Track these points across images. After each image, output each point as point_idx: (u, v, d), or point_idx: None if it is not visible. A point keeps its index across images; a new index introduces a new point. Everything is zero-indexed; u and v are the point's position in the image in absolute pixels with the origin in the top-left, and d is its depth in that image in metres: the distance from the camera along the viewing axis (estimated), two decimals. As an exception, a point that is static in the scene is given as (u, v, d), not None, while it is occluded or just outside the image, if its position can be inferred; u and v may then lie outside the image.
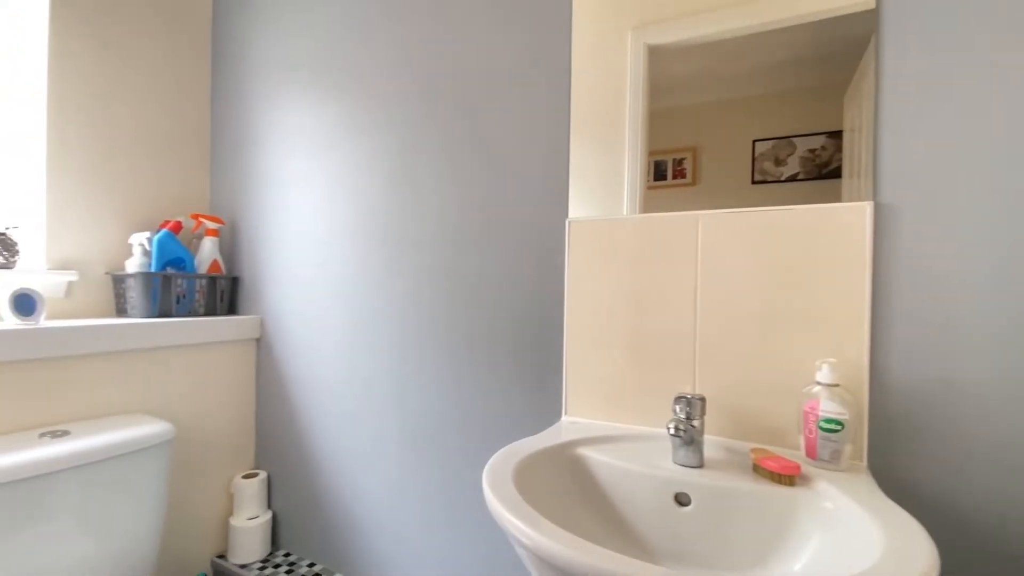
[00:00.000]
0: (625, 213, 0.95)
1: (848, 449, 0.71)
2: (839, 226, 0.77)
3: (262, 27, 1.47)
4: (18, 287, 1.05)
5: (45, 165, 1.22)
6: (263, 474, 1.45)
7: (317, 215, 1.35)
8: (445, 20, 1.15)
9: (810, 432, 0.73)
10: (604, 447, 0.83)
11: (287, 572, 1.34)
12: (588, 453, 0.81)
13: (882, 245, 0.76)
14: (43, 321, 1.10)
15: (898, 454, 0.75)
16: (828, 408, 0.71)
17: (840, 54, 0.79)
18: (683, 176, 0.91)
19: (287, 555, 1.41)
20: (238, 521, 1.38)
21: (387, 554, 1.25)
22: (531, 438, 0.84)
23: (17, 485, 0.88)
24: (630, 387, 0.93)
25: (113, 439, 1.02)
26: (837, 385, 0.72)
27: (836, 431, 0.70)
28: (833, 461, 0.71)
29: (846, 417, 0.70)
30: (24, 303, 1.05)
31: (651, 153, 0.94)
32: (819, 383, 0.73)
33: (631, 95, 0.95)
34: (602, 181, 0.97)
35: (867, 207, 0.76)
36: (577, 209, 0.99)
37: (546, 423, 1.02)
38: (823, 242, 0.78)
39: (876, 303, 0.76)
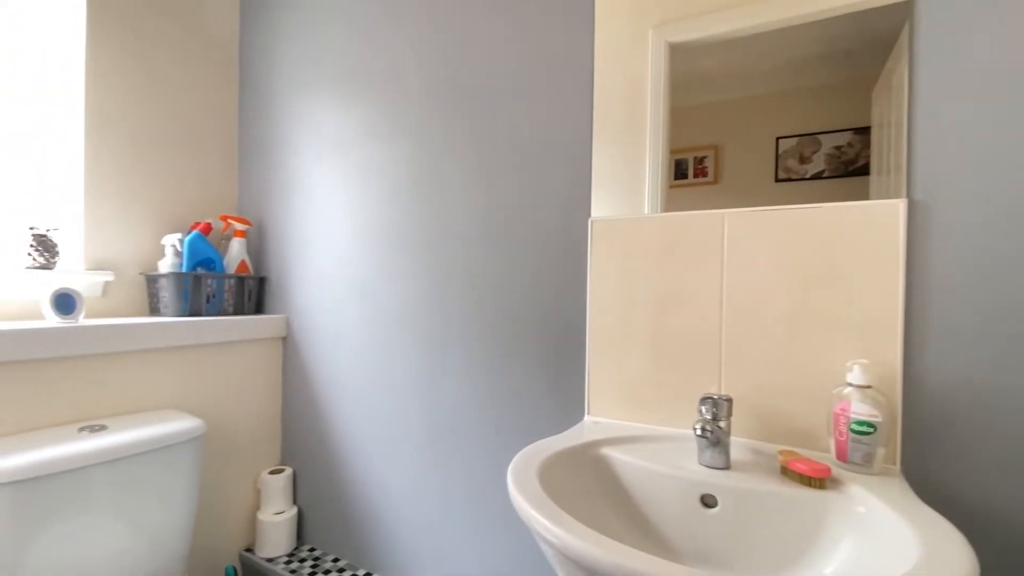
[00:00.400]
0: (647, 212, 0.94)
1: (881, 452, 0.69)
2: (871, 224, 0.76)
3: (288, 33, 1.50)
4: (59, 287, 1.09)
5: (83, 170, 1.26)
6: (289, 470, 1.48)
7: (340, 216, 1.38)
8: (465, 21, 1.16)
9: (841, 434, 0.71)
10: (628, 447, 0.82)
11: (312, 566, 1.36)
12: (612, 453, 0.81)
13: (916, 243, 0.74)
14: (82, 320, 1.14)
15: (934, 458, 0.73)
16: (860, 410, 0.69)
17: (868, 48, 0.78)
18: (704, 175, 0.90)
19: (312, 550, 1.44)
20: (265, 516, 1.41)
21: (410, 550, 1.26)
22: (554, 437, 0.85)
23: (60, 477, 0.92)
24: (653, 387, 0.92)
25: (148, 434, 1.05)
26: (869, 387, 0.70)
27: (868, 433, 0.69)
28: (865, 464, 0.69)
29: (879, 419, 0.68)
30: (64, 302, 1.09)
31: (672, 151, 0.93)
32: (850, 384, 0.71)
33: (652, 93, 0.94)
34: (623, 180, 0.97)
35: (900, 204, 0.74)
36: (599, 208, 0.99)
37: (568, 423, 1.02)
38: (854, 240, 0.76)
39: (910, 303, 0.74)
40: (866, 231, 0.76)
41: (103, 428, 1.05)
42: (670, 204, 0.93)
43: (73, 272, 1.23)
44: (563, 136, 1.04)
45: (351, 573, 1.34)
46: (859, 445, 0.69)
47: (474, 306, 1.15)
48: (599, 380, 0.98)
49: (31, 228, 1.15)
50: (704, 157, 0.90)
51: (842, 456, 0.71)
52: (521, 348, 1.09)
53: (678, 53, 0.92)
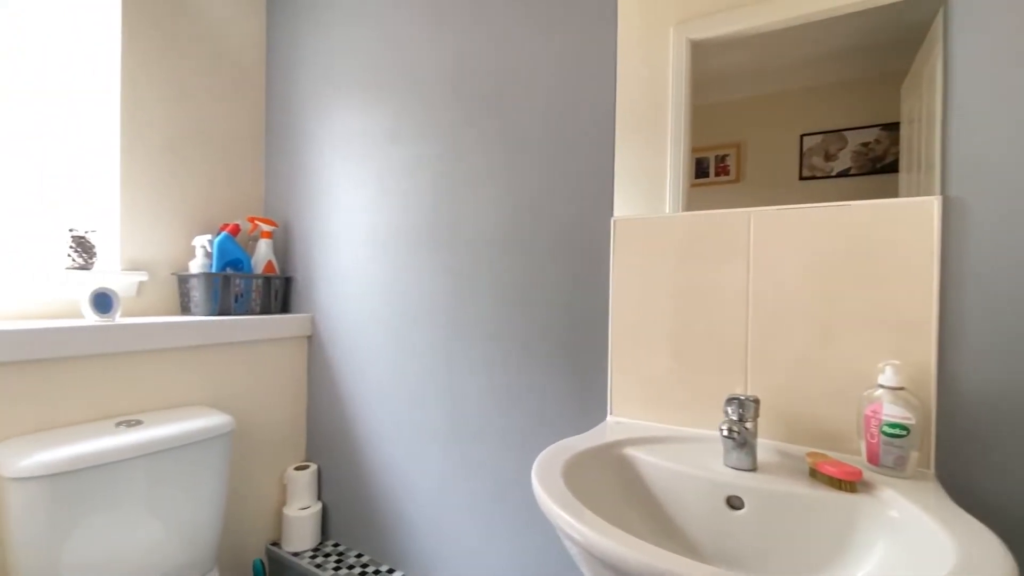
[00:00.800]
0: (668, 211, 0.94)
1: (914, 455, 0.68)
2: (903, 222, 0.74)
3: (312, 38, 1.53)
4: (97, 287, 1.14)
5: (119, 174, 1.31)
6: (314, 466, 1.51)
7: (365, 217, 1.40)
8: (488, 21, 1.17)
9: (872, 437, 0.70)
10: (652, 448, 0.82)
11: (337, 561, 1.39)
12: (636, 454, 0.81)
13: (951, 241, 0.72)
14: (118, 318, 1.19)
15: (970, 463, 0.71)
16: (892, 412, 0.68)
17: (896, 42, 0.76)
18: (726, 173, 0.89)
19: (336, 545, 1.47)
20: (291, 511, 1.44)
21: (431, 547, 1.28)
22: (577, 437, 0.85)
23: (98, 470, 0.95)
24: (677, 388, 0.92)
25: (182, 429, 1.08)
26: (902, 388, 0.69)
27: (901, 436, 0.67)
28: (898, 468, 0.68)
29: (912, 422, 0.67)
30: (102, 301, 1.14)
31: (694, 150, 0.92)
32: (882, 386, 0.70)
33: (674, 92, 0.93)
34: (645, 179, 0.96)
35: (935, 201, 0.72)
36: (622, 207, 0.99)
37: (591, 422, 1.02)
38: (885, 239, 0.75)
39: (945, 302, 0.72)
40: (898, 229, 0.74)
41: (139, 423, 1.09)
42: (691, 203, 0.92)
43: (110, 272, 1.27)
44: (586, 135, 1.04)
45: (374, 568, 1.36)
46: (891, 448, 0.68)
47: (496, 305, 1.16)
48: (622, 380, 0.98)
49: (71, 230, 1.20)
50: (726, 155, 0.89)
51: (873, 459, 0.70)
52: (543, 347, 1.09)
53: (699, 50, 0.91)
